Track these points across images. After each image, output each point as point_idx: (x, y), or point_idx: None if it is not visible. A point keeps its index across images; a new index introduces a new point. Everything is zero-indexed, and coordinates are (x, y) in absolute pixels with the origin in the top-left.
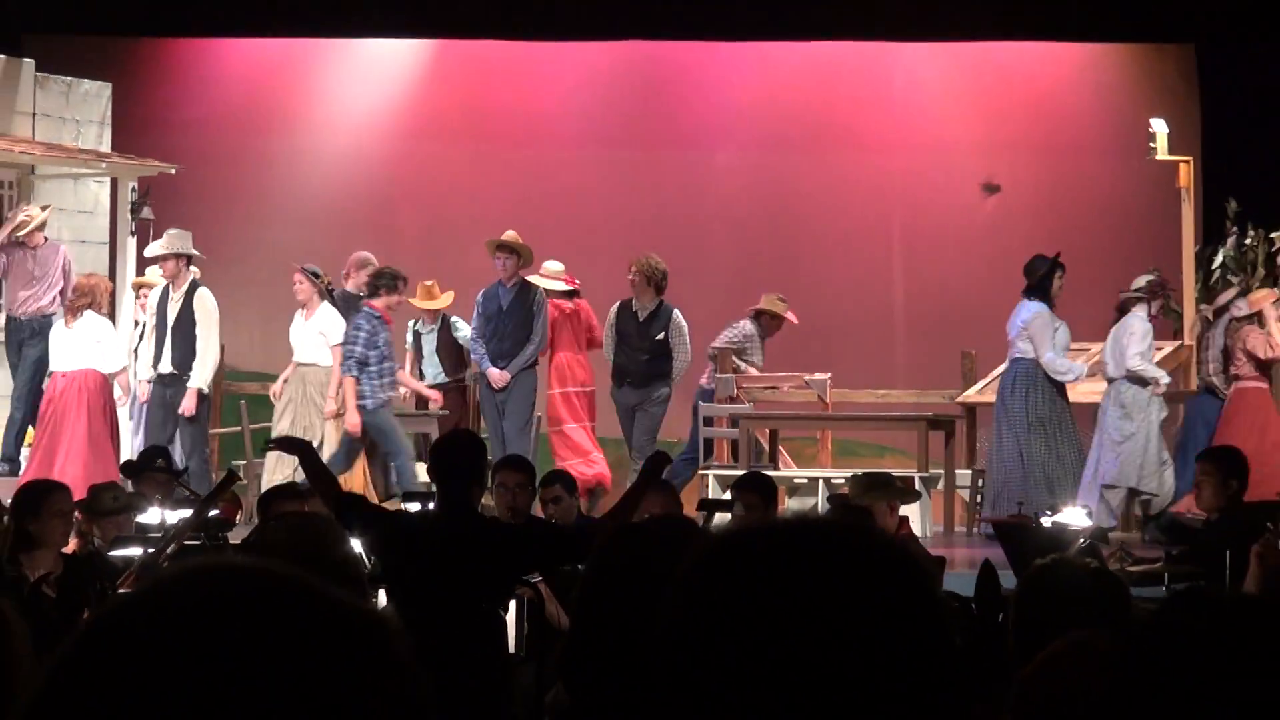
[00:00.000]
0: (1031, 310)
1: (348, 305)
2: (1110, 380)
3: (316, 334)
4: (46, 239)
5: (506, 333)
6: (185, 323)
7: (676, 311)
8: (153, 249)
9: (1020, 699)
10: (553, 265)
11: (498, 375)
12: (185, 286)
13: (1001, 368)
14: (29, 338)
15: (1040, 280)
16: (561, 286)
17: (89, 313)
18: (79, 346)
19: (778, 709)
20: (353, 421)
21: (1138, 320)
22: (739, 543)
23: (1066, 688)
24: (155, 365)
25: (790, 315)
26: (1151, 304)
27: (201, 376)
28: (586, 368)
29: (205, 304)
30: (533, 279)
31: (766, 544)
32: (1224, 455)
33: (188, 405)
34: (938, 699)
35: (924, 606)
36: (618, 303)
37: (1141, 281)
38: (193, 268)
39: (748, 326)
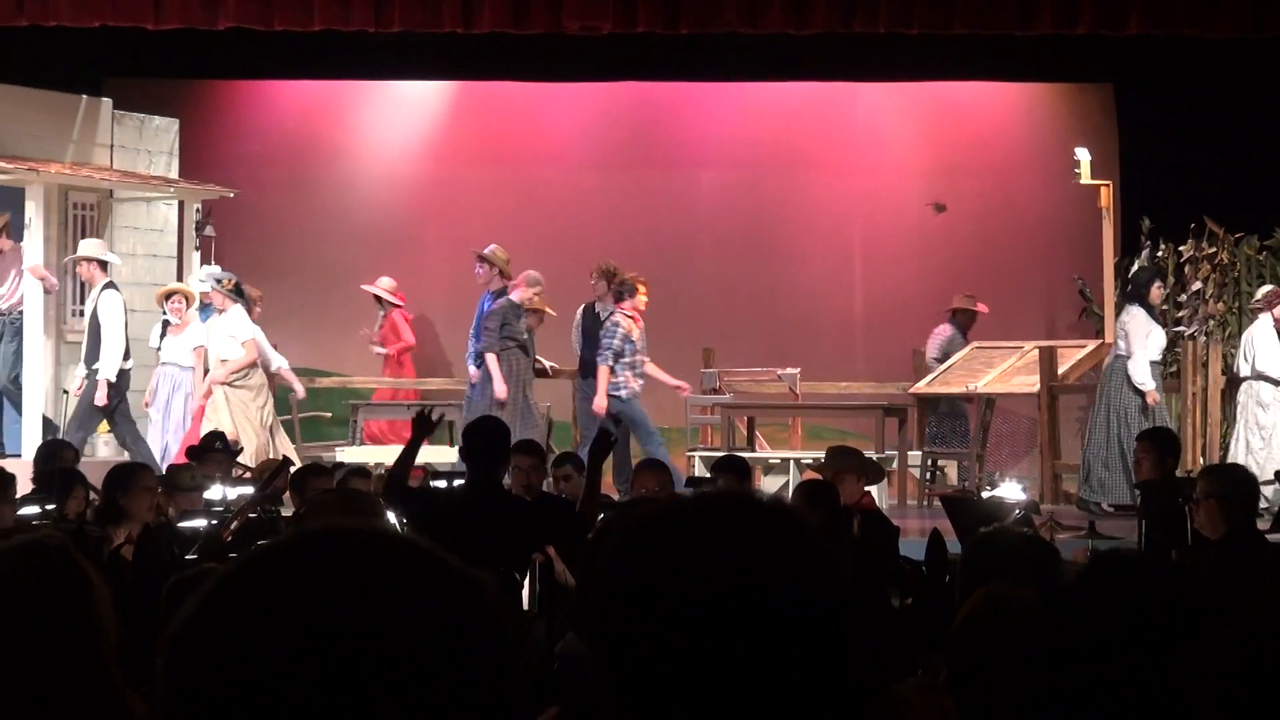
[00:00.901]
0: (1130, 313)
1: (515, 313)
2: (1244, 379)
3: (227, 334)
4: (12, 243)
5: (480, 333)
6: (95, 321)
7: None
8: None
9: (951, 645)
10: (385, 281)
11: (471, 371)
12: (97, 289)
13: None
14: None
15: (1139, 288)
16: (386, 297)
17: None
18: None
19: (693, 662)
20: (600, 404)
21: (1262, 328)
22: (651, 523)
23: (988, 633)
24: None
25: (981, 306)
26: (1274, 311)
27: (106, 368)
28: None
29: (106, 304)
30: (366, 287)
31: (672, 522)
32: (1162, 435)
33: (99, 396)
34: (834, 650)
35: (814, 563)
36: (583, 305)
37: (1260, 293)
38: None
39: (947, 329)
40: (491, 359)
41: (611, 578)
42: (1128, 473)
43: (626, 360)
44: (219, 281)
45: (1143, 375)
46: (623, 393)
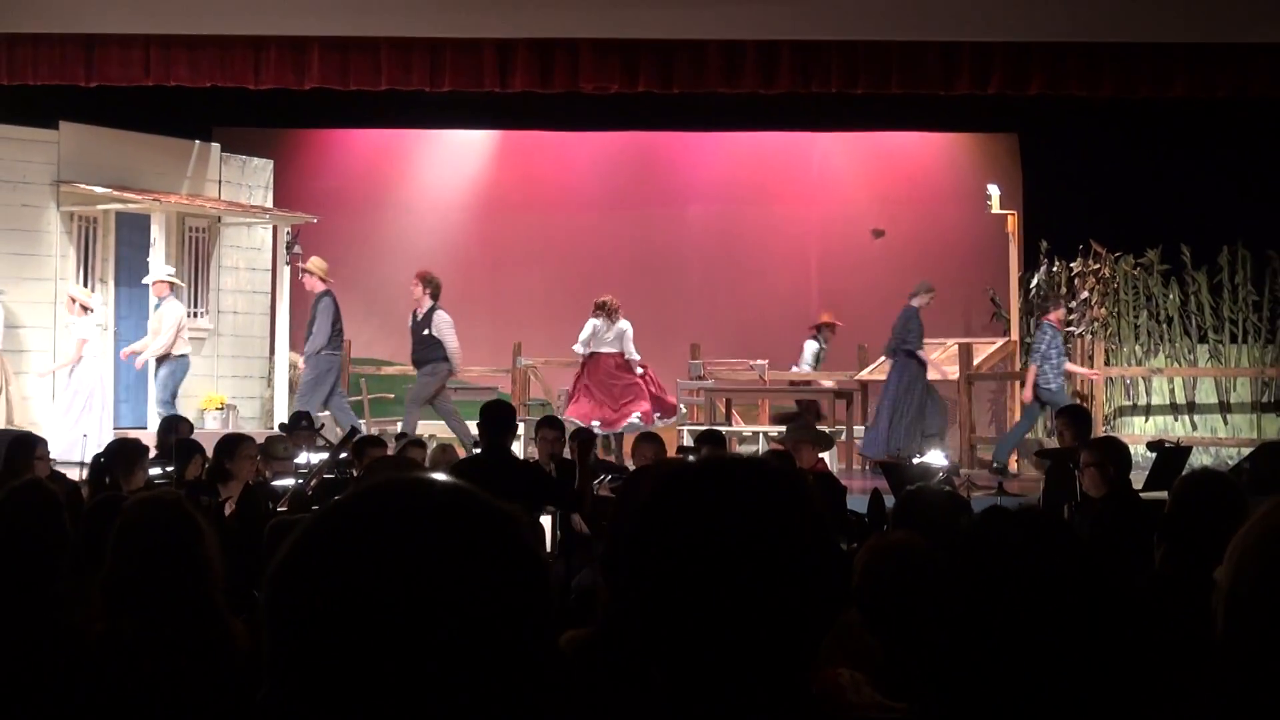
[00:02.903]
0: None
1: (911, 317)
2: None
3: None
4: None
5: (313, 330)
6: None
7: (440, 312)
8: None
9: (857, 592)
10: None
11: (302, 361)
12: None
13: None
14: None
15: None
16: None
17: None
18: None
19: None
20: (1027, 395)
21: None
22: (677, 479)
23: (883, 576)
24: None
25: (838, 321)
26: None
27: None
28: None
29: None
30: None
31: (700, 479)
32: (1079, 412)
33: None
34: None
35: (807, 510)
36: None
37: None
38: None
39: (813, 343)
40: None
41: (644, 519)
42: None
43: (1054, 361)
44: None
45: None
46: (1052, 385)
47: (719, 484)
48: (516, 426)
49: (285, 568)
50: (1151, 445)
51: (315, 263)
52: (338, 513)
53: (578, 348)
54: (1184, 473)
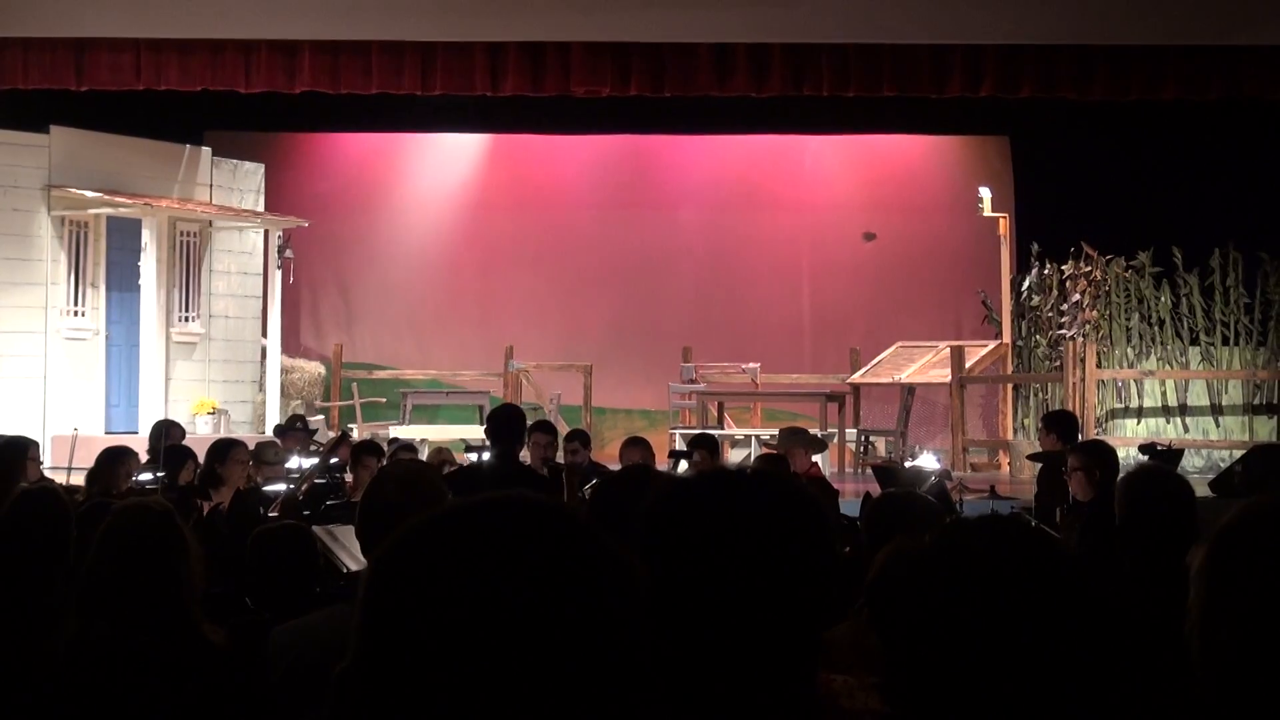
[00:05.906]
0: None
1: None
2: None
3: None
4: None
5: None
6: None
7: None
8: None
9: (869, 591)
10: None
11: None
12: None
13: (884, 354)
14: None
15: None
16: None
17: None
18: None
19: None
20: None
21: None
22: (687, 490)
23: (896, 578)
24: None
25: None
26: None
27: None
28: None
29: None
30: None
31: (710, 488)
32: (1062, 417)
33: None
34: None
35: (815, 525)
36: None
37: None
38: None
39: None
40: None
41: (648, 528)
42: None
43: None
44: None
45: None
46: None
47: (723, 493)
48: (525, 434)
49: (393, 558)
50: (1144, 448)
51: None
52: (453, 518)
53: None
54: (1124, 473)
